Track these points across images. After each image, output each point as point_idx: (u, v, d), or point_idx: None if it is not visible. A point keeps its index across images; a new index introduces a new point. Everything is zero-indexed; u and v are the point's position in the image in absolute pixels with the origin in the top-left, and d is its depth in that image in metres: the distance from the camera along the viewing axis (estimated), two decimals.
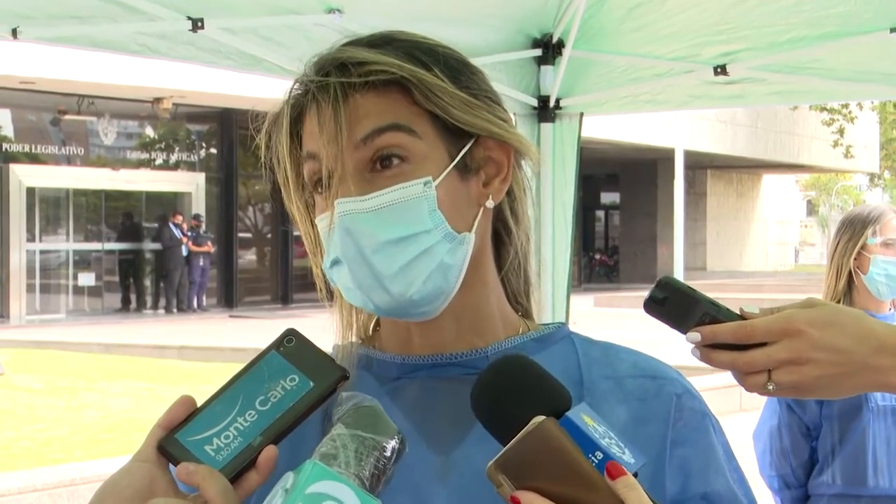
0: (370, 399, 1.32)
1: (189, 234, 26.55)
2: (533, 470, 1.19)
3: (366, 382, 1.50)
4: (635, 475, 1.23)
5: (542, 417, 1.21)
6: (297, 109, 1.47)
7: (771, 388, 1.38)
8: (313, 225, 1.50)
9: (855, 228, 4.01)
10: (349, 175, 1.42)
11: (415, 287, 1.42)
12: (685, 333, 1.39)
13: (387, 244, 1.41)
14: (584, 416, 1.25)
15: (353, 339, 1.57)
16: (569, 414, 1.24)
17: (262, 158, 1.50)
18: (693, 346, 1.40)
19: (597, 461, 1.22)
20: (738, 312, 1.39)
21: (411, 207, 1.42)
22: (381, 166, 1.43)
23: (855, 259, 3.97)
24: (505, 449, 1.21)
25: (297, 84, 1.47)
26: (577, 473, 1.19)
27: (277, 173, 1.49)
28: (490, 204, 1.49)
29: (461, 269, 1.45)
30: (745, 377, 1.40)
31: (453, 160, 1.45)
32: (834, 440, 3.86)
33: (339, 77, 1.42)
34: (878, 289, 3.94)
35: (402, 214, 1.41)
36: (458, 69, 1.48)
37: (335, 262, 1.45)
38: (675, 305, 1.39)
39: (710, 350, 1.39)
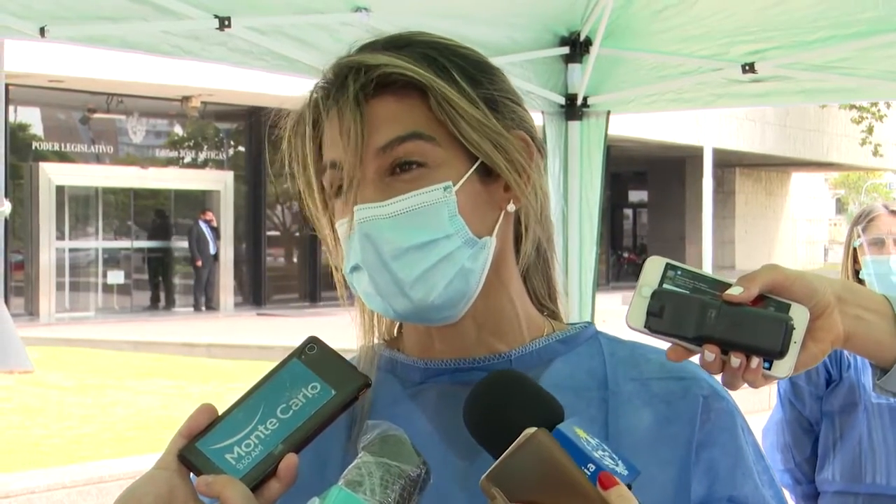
0: (396, 428, 1.32)
1: None
2: (526, 482, 1.18)
3: (390, 385, 1.50)
4: (629, 487, 1.22)
5: (535, 429, 1.20)
6: (315, 116, 1.45)
7: None
8: (334, 229, 1.49)
9: (851, 230, 3.98)
10: (368, 180, 1.41)
11: (435, 292, 1.40)
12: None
13: (407, 250, 1.39)
14: (576, 429, 1.23)
15: (377, 340, 1.56)
16: (560, 427, 1.22)
17: (286, 162, 1.50)
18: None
19: (589, 473, 1.20)
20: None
21: (431, 212, 1.40)
22: (401, 170, 1.41)
23: (854, 262, 3.93)
24: (498, 461, 1.19)
25: (315, 90, 1.46)
26: (571, 485, 1.18)
27: (298, 179, 1.48)
28: (511, 208, 1.47)
29: (482, 273, 1.44)
30: None
31: (473, 164, 1.44)
32: (834, 437, 3.85)
33: (355, 83, 1.41)
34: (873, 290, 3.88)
35: (421, 220, 1.40)
36: (476, 72, 1.46)
37: (355, 268, 1.43)
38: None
39: None
